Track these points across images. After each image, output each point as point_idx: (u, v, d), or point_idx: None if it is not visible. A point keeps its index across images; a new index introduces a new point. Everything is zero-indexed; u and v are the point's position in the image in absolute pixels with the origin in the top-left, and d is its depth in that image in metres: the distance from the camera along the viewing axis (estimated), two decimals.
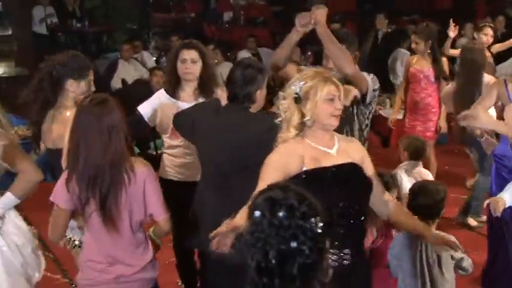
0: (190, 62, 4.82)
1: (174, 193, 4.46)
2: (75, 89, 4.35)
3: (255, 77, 4.08)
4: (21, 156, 3.96)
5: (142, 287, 3.66)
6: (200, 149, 4.29)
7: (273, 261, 2.03)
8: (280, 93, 3.49)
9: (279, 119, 3.46)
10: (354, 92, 4.37)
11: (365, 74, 4.55)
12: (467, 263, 4.04)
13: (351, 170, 3.45)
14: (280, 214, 2.05)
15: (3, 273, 4.01)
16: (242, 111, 4.10)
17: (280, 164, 3.34)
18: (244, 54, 12.26)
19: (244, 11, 16.35)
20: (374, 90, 4.56)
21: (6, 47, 14.61)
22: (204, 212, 4.15)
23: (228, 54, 12.42)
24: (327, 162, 3.39)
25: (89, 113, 3.46)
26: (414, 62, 7.53)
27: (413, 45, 7.65)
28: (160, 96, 4.96)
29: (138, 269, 3.61)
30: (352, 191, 3.41)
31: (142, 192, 3.53)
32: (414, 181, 5.15)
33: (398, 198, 4.53)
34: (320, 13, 4.37)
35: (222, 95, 4.40)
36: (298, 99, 3.38)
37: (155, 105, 4.93)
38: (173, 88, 4.90)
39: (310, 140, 3.44)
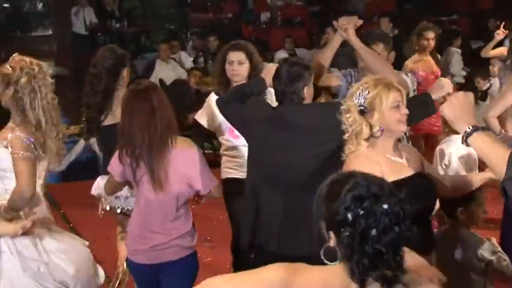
0: (237, 64, 4.82)
1: (238, 192, 4.50)
2: (127, 75, 4.92)
3: (301, 74, 4.05)
4: (26, 171, 3.94)
5: (178, 253, 3.94)
6: (251, 149, 4.32)
7: (384, 249, 2.10)
8: (342, 107, 3.38)
9: (346, 135, 3.34)
10: None
11: (403, 75, 4.53)
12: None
13: (423, 181, 3.44)
14: (386, 205, 2.12)
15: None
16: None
17: None
18: (281, 54, 12.27)
19: (282, 12, 16.36)
20: (414, 90, 4.56)
21: (46, 47, 14.82)
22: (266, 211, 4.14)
23: (265, 54, 12.44)
24: (402, 173, 3.32)
25: (137, 95, 3.88)
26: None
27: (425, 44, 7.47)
28: (212, 100, 4.91)
29: (175, 236, 3.91)
30: (428, 199, 3.45)
31: (186, 167, 3.85)
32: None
33: None
34: (348, 24, 4.34)
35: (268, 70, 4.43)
36: (364, 111, 3.29)
37: (210, 110, 4.97)
38: (224, 90, 4.87)
39: (381, 150, 3.35)
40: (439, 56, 7.60)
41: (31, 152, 3.92)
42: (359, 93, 3.30)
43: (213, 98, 4.94)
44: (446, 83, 4.17)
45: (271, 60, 11.21)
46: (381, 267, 2.11)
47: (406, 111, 3.36)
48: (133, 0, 15.60)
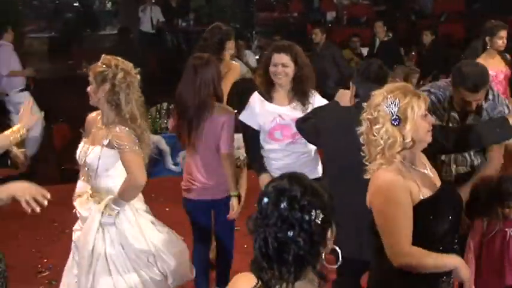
0: (281, 67, 4.79)
1: None
2: (231, 46, 6.02)
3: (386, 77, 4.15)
4: (136, 161, 4.17)
5: (219, 194, 4.89)
6: (326, 151, 4.36)
7: (271, 248, 2.19)
8: (367, 117, 3.18)
9: (379, 148, 3.12)
10: None
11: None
12: None
13: (452, 190, 3.41)
14: (283, 205, 2.19)
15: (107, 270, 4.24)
16: None
17: (407, 198, 3.08)
18: (347, 53, 12.21)
19: (347, 11, 16.29)
20: None
21: (115, 45, 15.08)
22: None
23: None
24: (435, 186, 3.23)
25: (190, 66, 4.78)
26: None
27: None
28: (255, 100, 4.97)
29: (215, 181, 4.87)
30: (460, 207, 3.40)
31: (219, 130, 4.76)
32: None
33: None
34: None
35: (341, 96, 4.46)
36: (398, 121, 3.09)
37: (254, 111, 4.96)
38: (267, 90, 4.90)
39: (411, 163, 3.20)
40: (507, 56, 7.43)
41: (136, 144, 4.12)
42: (390, 102, 3.10)
43: (256, 97, 4.96)
44: None
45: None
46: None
47: (433, 120, 3.26)
48: (200, 0, 15.75)
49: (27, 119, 4.35)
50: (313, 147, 4.90)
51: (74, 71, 11.92)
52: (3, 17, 13.48)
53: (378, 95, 3.16)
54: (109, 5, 18.24)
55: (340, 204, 3.97)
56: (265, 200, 2.22)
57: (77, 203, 4.43)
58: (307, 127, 4.51)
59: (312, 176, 4.81)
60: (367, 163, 3.21)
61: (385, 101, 3.11)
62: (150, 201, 4.87)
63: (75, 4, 18.61)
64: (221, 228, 5.13)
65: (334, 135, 4.18)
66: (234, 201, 4.89)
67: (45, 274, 5.95)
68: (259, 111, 4.91)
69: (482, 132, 4.16)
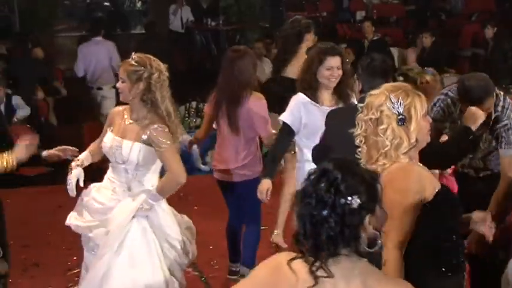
0: (336, 69, 4.80)
1: None
2: (311, 38, 6.26)
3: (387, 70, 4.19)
4: (170, 158, 4.26)
5: (243, 177, 5.39)
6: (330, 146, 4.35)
7: (308, 225, 2.29)
8: (366, 117, 3.13)
9: (385, 149, 3.06)
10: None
11: None
12: None
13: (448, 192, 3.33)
14: (321, 185, 2.28)
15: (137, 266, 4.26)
16: None
17: (419, 189, 3.06)
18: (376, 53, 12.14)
19: (377, 10, 16.20)
20: None
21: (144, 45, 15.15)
22: None
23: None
24: (438, 185, 3.16)
25: (227, 58, 5.39)
26: None
27: None
28: (300, 101, 4.90)
29: (241, 165, 5.37)
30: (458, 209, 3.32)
31: (252, 115, 5.22)
32: None
33: None
34: None
35: None
36: (403, 121, 3.05)
37: (297, 113, 4.91)
38: (314, 92, 4.87)
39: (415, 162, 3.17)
40: None
41: (172, 141, 4.21)
42: (394, 102, 3.05)
43: (300, 98, 4.91)
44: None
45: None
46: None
47: (431, 120, 3.23)
48: None
49: (22, 153, 4.36)
50: None
51: None
52: (35, 16, 13.65)
53: (378, 95, 3.12)
54: (139, 4, 18.33)
55: None
56: (309, 178, 2.33)
57: (95, 192, 4.43)
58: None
59: None
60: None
61: (388, 100, 3.06)
62: (178, 200, 4.93)
63: (105, 4, 18.74)
64: (247, 209, 5.54)
65: (339, 131, 4.08)
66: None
67: (74, 271, 5.99)
68: (305, 113, 4.86)
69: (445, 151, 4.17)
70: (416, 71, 7.48)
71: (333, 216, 2.25)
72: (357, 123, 3.18)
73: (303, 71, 5.00)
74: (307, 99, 4.89)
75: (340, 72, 4.81)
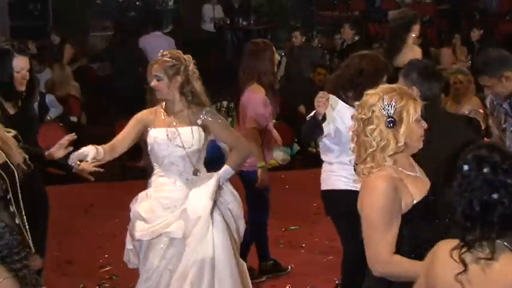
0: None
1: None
2: (418, 29, 6.54)
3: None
4: (235, 133, 4.57)
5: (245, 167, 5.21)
6: None
7: (477, 209, 2.37)
8: (359, 116, 3.09)
9: (370, 150, 3.03)
10: None
11: None
12: None
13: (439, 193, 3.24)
14: (485, 170, 2.38)
15: (220, 243, 4.31)
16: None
17: (395, 203, 3.00)
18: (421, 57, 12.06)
19: (410, 9, 16.08)
20: None
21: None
22: None
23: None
24: (425, 189, 3.13)
25: (246, 49, 5.66)
26: None
27: None
28: (335, 104, 4.76)
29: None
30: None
31: (246, 106, 5.47)
32: None
33: None
34: None
35: None
36: (392, 123, 3.00)
37: (332, 115, 4.75)
38: (344, 92, 4.79)
39: (402, 167, 3.09)
40: None
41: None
42: (386, 103, 3.01)
43: (334, 100, 4.79)
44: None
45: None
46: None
47: (426, 125, 3.13)
48: None
49: (58, 154, 4.34)
50: None
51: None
52: (68, 16, 13.78)
53: (372, 95, 3.09)
54: (171, 3, 18.40)
55: None
56: (466, 167, 2.42)
57: (153, 192, 4.43)
58: None
59: None
60: (354, 164, 3.16)
61: (380, 101, 3.03)
62: None
63: (137, 3, 18.83)
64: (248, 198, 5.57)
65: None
66: (261, 173, 5.36)
67: (106, 269, 6.06)
68: (337, 115, 4.73)
69: None
70: (450, 71, 7.44)
71: (506, 197, 2.34)
72: (353, 121, 3.18)
73: (337, 74, 4.96)
74: (340, 101, 4.78)
75: None
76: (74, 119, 10.16)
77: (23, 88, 4.46)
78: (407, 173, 3.10)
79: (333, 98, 4.70)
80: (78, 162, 4.27)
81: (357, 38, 11.47)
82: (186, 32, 14.16)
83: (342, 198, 4.54)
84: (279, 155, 9.20)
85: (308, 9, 16.25)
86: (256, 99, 5.48)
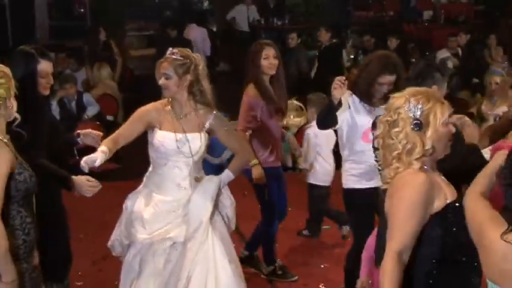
0: (387, 86, 4.71)
1: (361, 203, 4.78)
2: None
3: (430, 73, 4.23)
4: (236, 138, 4.54)
5: None
6: None
7: None
8: (386, 119, 3.04)
9: (396, 152, 2.98)
10: None
11: None
12: None
13: None
14: None
15: (219, 245, 4.31)
16: None
17: (426, 199, 2.93)
18: (443, 53, 11.98)
19: (445, 10, 15.96)
20: None
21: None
22: None
23: (427, 53, 12.19)
24: (455, 194, 3.04)
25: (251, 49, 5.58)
26: None
27: None
28: (351, 100, 4.86)
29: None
30: None
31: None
32: None
33: None
34: None
35: None
36: (419, 126, 2.94)
37: (348, 109, 4.86)
38: (367, 95, 4.82)
39: (433, 169, 3.04)
40: None
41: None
42: (412, 106, 2.95)
43: (354, 100, 4.85)
44: None
45: (434, 59, 10.97)
46: None
47: (454, 129, 3.08)
48: None
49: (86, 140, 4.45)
50: None
51: None
52: (106, 16, 13.90)
53: (399, 97, 3.02)
54: (206, 3, 18.48)
55: None
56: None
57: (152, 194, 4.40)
58: None
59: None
60: (379, 168, 3.10)
61: (407, 104, 2.97)
62: (242, 198, 4.93)
63: (174, 3, 18.94)
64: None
65: None
66: (254, 170, 5.35)
67: None
68: (353, 111, 4.83)
69: None
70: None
71: None
72: (377, 125, 3.12)
73: (360, 75, 4.94)
74: (358, 100, 4.86)
75: (391, 88, 4.69)
76: (110, 117, 10.24)
77: (47, 93, 4.32)
78: (436, 176, 3.04)
79: (350, 97, 4.80)
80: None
81: (334, 40, 11.76)
82: (220, 33, 14.21)
83: (350, 195, 4.87)
84: None
85: (343, 10, 16.18)
86: (244, 102, 5.49)
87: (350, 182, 4.89)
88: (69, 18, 15.08)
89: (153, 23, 16.31)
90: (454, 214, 2.94)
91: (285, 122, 8.76)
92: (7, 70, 3.42)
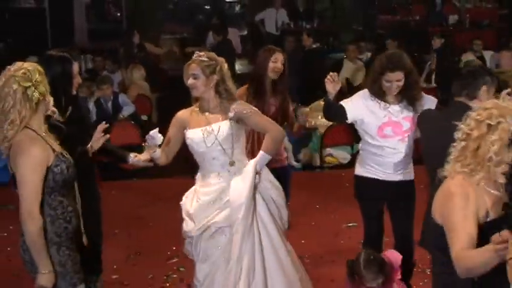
0: (395, 82, 4.71)
1: (371, 193, 4.86)
2: None
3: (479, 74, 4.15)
4: (265, 119, 4.51)
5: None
6: (424, 149, 4.36)
7: None
8: (477, 118, 2.96)
9: (480, 158, 2.92)
10: None
11: None
12: None
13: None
14: None
15: (264, 226, 4.35)
16: (462, 108, 3.85)
17: (473, 207, 2.91)
18: (468, 56, 11.87)
19: (470, 14, 15.82)
20: None
21: (242, 47, 15.29)
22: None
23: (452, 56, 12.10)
24: (500, 209, 2.99)
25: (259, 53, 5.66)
26: None
27: None
28: (364, 97, 4.89)
29: None
30: None
31: None
32: None
33: None
34: None
35: None
36: None
37: (360, 105, 4.88)
38: (379, 91, 4.81)
39: (486, 184, 2.97)
40: None
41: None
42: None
43: (366, 93, 4.87)
44: None
45: (458, 62, 10.89)
46: None
47: None
48: (324, 3, 15.71)
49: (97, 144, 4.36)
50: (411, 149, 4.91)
51: None
52: (141, 19, 14.00)
53: (506, 107, 2.93)
54: (238, 7, 18.52)
55: None
56: None
57: (198, 189, 4.46)
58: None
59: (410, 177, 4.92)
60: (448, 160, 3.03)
61: (509, 117, 2.88)
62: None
63: (206, 7, 18.99)
64: None
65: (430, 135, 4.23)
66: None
67: (174, 261, 6.11)
68: (366, 107, 4.84)
69: None
70: (510, 74, 7.27)
71: None
72: (465, 118, 3.02)
73: (371, 75, 4.96)
74: (370, 96, 4.87)
75: (400, 83, 4.72)
76: (144, 117, 10.31)
77: (74, 92, 4.51)
78: (493, 192, 2.99)
79: (365, 93, 4.89)
80: (134, 154, 4.47)
81: (314, 46, 11.85)
82: (250, 36, 14.23)
83: (359, 182, 4.96)
84: (340, 154, 9.20)
85: (370, 13, 16.12)
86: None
87: (361, 170, 4.98)
88: (105, 22, 15.21)
89: (186, 27, 16.38)
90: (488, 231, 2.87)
91: (313, 123, 8.81)
92: (41, 68, 3.57)
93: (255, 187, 4.34)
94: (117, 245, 6.35)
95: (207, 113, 4.39)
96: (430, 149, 4.27)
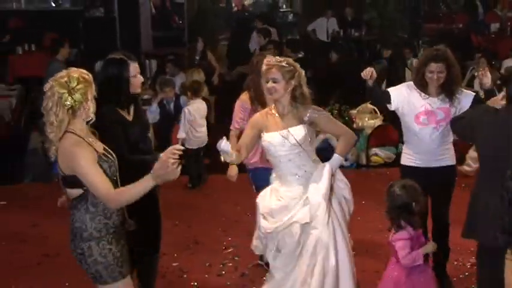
0: (437, 73, 4.82)
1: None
2: None
3: None
4: (337, 123, 4.61)
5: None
6: (480, 149, 4.31)
7: None
8: None
9: None
10: None
11: None
12: None
13: None
14: None
15: (338, 226, 4.35)
16: None
17: None
18: (509, 62, 11.63)
19: (511, 22, 15.49)
20: None
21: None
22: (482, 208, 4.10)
23: (493, 62, 11.84)
24: None
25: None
26: None
27: None
28: (408, 87, 5.01)
29: None
30: None
31: None
32: None
33: None
34: None
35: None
36: None
37: (401, 91, 5.01)
38: (421, 84, 4.91)
39: None
40: None
41: None
42: None
43: (410, 85, 4.98)
44: None
45: (499, 69, 10.68)
46: None
47: None
48: (372, 12, 15.58)
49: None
50: (451, 138, 4.94)
51: None
52: (201, 27, 14.10)
53: None
54: (291, 16, 18.45)
55: (491, 198, 3.87)
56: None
57: (276, 188, 4.45)
58: (460, 127, 4.51)
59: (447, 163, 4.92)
60: None
61: None
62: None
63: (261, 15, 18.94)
64: None
65: (488, 135, 4.11)
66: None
67: (229, 250, 6.13)
68: (408, 96, 4.94)
69: None
70: None
71: None
72: None
73: (415, 71, 5.12)
74: (415, 87, 4.96)
75: (441, 75, 4.82)
76: None
77: (139, 90, 4.52)
78: None
79: (409, 83, 5.01)
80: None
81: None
82: (303, 43, 14.20)
83: (403, 171, 5.02)
84: (385, 154, 9.15)
85: (416, 22, 15.93)
86: (236, 105, 5.53)
87: (404, 159, 5.06)
88: (169, 29, 15.37)
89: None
90: None
91: (360, 124, 8.74)
92: (88, 76, 3.57)
93: (331, 188, 4.32)
94: (177, 235, 6.41)
95: (283, 117, 4.38)
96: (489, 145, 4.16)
